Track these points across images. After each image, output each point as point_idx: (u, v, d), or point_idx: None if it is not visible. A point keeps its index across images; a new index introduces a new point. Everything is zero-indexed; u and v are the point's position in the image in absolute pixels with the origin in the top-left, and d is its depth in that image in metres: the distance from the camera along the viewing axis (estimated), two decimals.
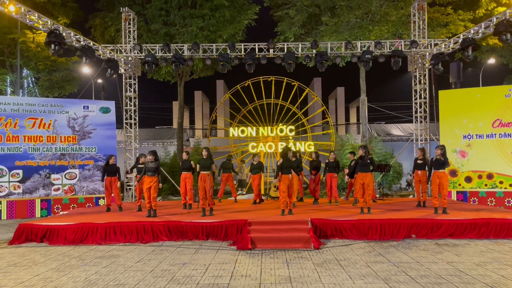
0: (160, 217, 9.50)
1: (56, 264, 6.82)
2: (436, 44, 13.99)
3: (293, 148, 16.06)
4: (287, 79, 16.82)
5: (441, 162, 9.36)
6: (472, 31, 12.41)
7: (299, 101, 17.72)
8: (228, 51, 14.13)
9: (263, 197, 13.14)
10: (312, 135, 18.79)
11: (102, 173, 11.07)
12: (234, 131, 16.83)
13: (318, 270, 6.24)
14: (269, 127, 16.77)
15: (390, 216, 9.06)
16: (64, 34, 11.77)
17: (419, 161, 10.86)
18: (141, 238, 8.58)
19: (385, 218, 8.71)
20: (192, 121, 33.87)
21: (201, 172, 9.73)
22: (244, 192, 16.27)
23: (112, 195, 11.02)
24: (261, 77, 17.02)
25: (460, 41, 12.54)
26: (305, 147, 16.41)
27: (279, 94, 17.48)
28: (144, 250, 7.81)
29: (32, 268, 6.60)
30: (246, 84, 17.03)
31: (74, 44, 12.51)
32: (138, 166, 10.97)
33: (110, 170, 10.93)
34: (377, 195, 13.74)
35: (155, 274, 6.16)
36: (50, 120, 13.11)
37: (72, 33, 12.42)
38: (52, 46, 11.22)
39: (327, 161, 12.07)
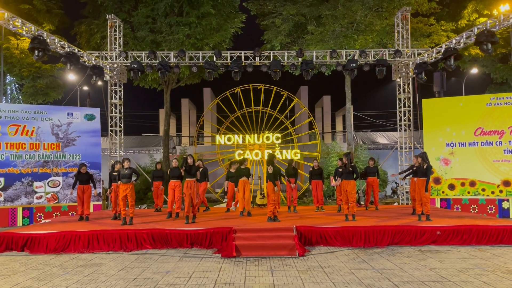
0: (144, 224, 9.41)
1: (37, 273, 6.70)
2: (419, 54, 14.23)
3: (279, 156, 16.11)
4: (264, 86, 16.85)
5: (423, 171, 9.55)
6: (454, 41, 12.66)
7: (288, 109, 17.81)
8: (215, 59, 14.15)
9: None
10: (298, 143, 18.85)
11: (73, 181, 10.74)
12: (221, 139, 16.80)
13: (302, 277, 6.24)
14: (255, 135, 16.78)
15: (375, 223, 9.12)
16: (48, 40, 11.67)
17: (415, 168, 10.83)
18: (124, 246, 8.47)
19: (370, 225, 8.76)
20: (178, 129, 33.72)
21: (187, 179, 9.67)
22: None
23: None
24: (250, 85, 17.03)
25: (442, 50, 12.77)
26: (292, 155, 16.45)
27: (266, 102, 17.52)
28: (127, 259, 7.72)
29: (11, 277, 6.47)
30: (235, 91, 17.02)
31: (58, 50, 12.41)
32: (113, 173, 10.74)
33: (82, 179, 10.65)
34: (362, 203, 13.83)
35: (138, 282, 6.08)
36: (33, 127, 12.92)
37: (56, 40, 12.32)
38: (36, 52, 11.12)
39: (311, 169, 12.15)
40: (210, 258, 7.70)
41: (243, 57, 14.24)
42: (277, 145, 16.96)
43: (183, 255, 7.95)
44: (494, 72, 19.92)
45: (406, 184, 14.61)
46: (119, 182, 9.70)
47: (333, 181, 13.88)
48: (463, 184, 13.04)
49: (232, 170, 11.92)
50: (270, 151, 14.92)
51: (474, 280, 5.95)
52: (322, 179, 11.94)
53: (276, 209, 9.81)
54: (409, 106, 14.90)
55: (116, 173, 10.23)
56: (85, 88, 25.94)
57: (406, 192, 14.76)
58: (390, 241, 8.52)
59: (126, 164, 9.70)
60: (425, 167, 9.50)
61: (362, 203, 13.83)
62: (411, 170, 10.81)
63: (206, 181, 11.69)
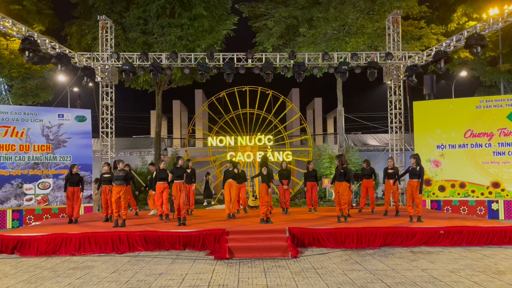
0: (136, 227, 9.36)
1: (27, 276, 6.63)
2: (410, 57, 14.35)
3: (271, 158, 16.14)
4: (261, 88, 16.90)
5: (416, 172, 9.59)
6: (444, 44, 12.79)
7: (282, 114, 17.86)
8: (207, 61, 14.14)
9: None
10: (290, 144, 18.90)
11: (64, 183, 10.65)
12: (213, 141, 16.80)
13: (295, 278, 6.25)
14: (247, 137, 16.80)
15: (367, 224, 9.18)
16: (38, 41, 11.55)
17: (389, 171, 11.07)
18: (116, 248, 8.42)
19: (362, 227, 8.82)
20: (170, 131, 33.56)
21: (176, 181, 9.63)
22: (210, 203, 16.28)
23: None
24: (246, 87, 17.02)
25: (432, 53, 12.90)
26: (283, 156, 16.50)
27: (260, 104, 17.55)
28: (119, 261, 7.67)
29: (1, 281, 6.39)
30: (229, 92, 17.01)
31: (49, 51, 12.30)
32: (104, 175, 10.62)
33: (73, 180, 10.54)
34: (354, 204, 13.89)
35: (131, 284, 6.05)
36: (23, 129, 12.79)
37: (47, 40, 12.21)
38: (26, 53, 11.00)
39: (305, 171, 12.21)
40: (203, 260, 7.68)
41: (235, 59, 14.24)
42: (269, 147, 17.01)
43: (175, 257, 7.93)
44: (483, 75, 20.15)
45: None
46: (112, 183, 9.66)
47: (324, 182, 13.96)
48: (453, 186, 13.17)
49: (236, 171, 11.84)
50: (263, 153, 14.95)
51: (465, 280, 6.01)
52: (317, 181, 12.04)
53: (269, 210, 9.83)
54: (400, 109, 15.01)
55: (108, 175, 10.15)
56: (76, 89, 25.73)
57: (401, 193, 14.82)
58: (382, 242, 8.58)
59: (120, 166, 9.64)
60: (418, 169, 9.56)
61: (354, 204, 13.89)
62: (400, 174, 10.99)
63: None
